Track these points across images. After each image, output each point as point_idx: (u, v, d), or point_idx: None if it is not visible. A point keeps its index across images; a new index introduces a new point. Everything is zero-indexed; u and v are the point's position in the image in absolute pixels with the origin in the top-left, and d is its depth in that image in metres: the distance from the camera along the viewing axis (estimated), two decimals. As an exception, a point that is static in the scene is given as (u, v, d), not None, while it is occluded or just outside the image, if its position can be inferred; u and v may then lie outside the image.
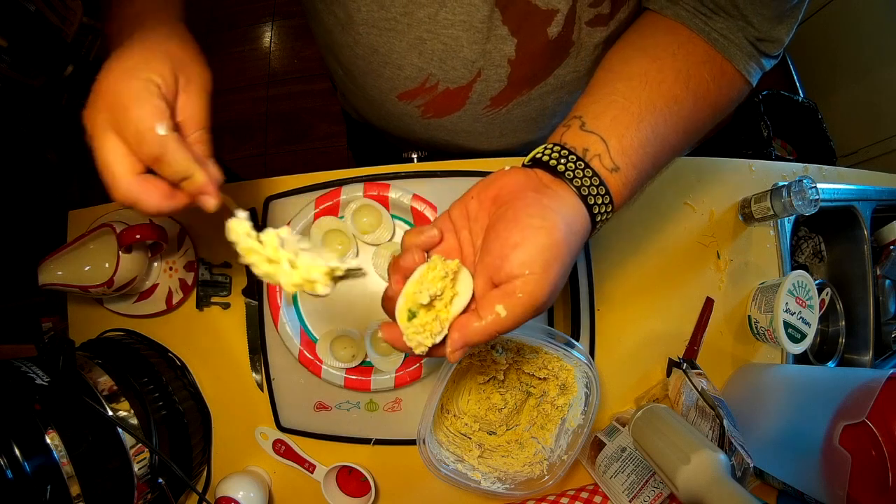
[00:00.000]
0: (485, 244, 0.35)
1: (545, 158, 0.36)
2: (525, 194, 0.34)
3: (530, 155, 0.37)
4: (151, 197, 0.33)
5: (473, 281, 0.35)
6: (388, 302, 0.36)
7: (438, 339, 0.35)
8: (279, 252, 0.33)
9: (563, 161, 0.36)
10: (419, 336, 0.34)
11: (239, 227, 0.34)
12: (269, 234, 0.34)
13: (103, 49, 1.73)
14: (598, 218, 0.36)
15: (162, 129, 0.31)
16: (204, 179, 0.33)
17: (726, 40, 0.40)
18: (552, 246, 0.32)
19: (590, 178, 0.35)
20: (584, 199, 0.35)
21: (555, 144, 0.37)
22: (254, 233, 0.34)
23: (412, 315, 0.35)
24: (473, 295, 0.35)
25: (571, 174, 0.35)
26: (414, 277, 0.35)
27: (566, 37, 0.46)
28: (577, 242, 0.35)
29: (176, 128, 0.33)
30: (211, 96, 0.36)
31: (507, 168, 0.37)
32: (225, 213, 0.35)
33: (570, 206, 0.35)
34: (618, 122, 0.37)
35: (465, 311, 0.35)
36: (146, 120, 0.31)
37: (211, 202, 0.34)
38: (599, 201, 0.35)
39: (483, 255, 0.35)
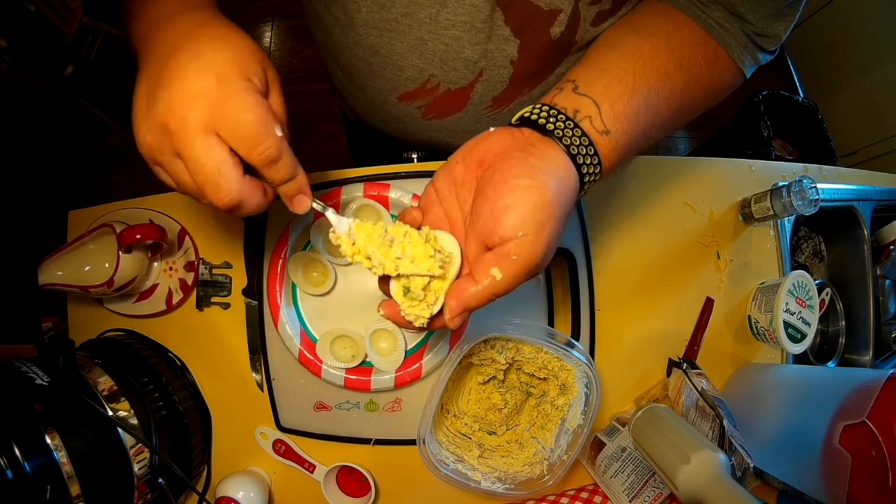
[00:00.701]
0: (474, 208, 0.35)
1: (533, 117, 0.36)
2: (511, 154, 0.34)
3: (518, 114, 0.37)
4: (255, 197, 0.33)
5: (466, 245, 0.35)
6: (384, 282, 0.37)
7: (436, 310, 0.35)
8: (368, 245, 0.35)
9: (552, 120, 0.35)
10: (416, 309, 0.34)
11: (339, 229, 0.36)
12: (345, 233, 0.36)
13: (104, 49, 1.72)
14: (587, 179, 0.36)
15: (279, 131, 0.31)
16: (305, 181, 0.34)
17: (722, 28, 0.41)
18: (544, 206, 0.32)
19: (579, 137, 0.35)
20: (573, 157, 0.35)
21: (544, 105, 0.37)
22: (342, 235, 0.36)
23: (407, 290, 0.35)
24: (466, 260, 0.35)
25: (560, 133, 0.35)
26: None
27: (569, 37, 0.46)
28: (569, 201, 0.35)
29: None
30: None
31: (491, 129, 0.37)
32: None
33: (558, 164, 0.34)
34: (611, 88, 0.37)
35: (458, 276, 0.35)
36: (264, 123, 0.30)
37: (307, 202, 0.35)
38: (588, 161, 0.35)
39: (474, 220, 0.34)
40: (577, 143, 0.35)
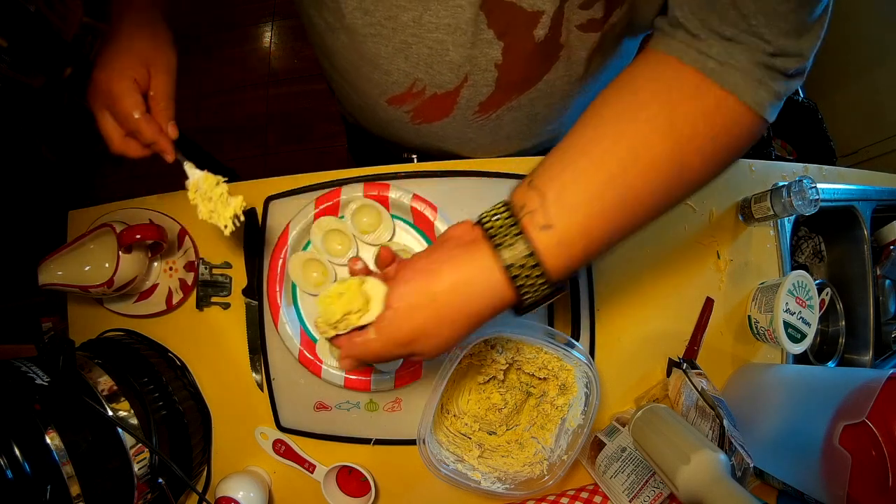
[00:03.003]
0: None
1: (484, 216, 0.37)
2: (448, 242, 0.37)
3: (482, 211, 0.37)
4: (131, 149, 0.50)
5: None
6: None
7: (338, 333, 0.39)
8: (196, 194, 0.49)
9: (495, 218, 0.35)
10: (326, 326, 0.39)
11: (193, 182, 0.49)
12: (192, 181, 0.49)
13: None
14: (521, 281, 0.34)
15: (136, 114, 0.47)
16: (163, 145, 0.49)
17: (724, 67, 0.34)
18: (427, 293, 0.35)
19: (514, 235, 0.34)
20: (498, 254, 0.34)
21: (501, 202, 0.37)
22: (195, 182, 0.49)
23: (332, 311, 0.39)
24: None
25: (494, 230, 0.35)
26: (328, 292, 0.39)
27: (554, 39, 0.45)
28: (469, 302, 0.35)
29: (150, 100, 0.49)
30: (174, 72, 0.50)
31: (461, 221, 0.39)
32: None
33: (479, 264, 0.34)
34: (563, 174, 0.35)
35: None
36: (128, 109, 0.47)
37: (168, 157, 0.50)
38: (522, 263, 0.34)
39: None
40: (511, 242, 0.34)
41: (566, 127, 0.62)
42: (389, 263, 0.40)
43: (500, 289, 0.35)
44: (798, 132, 1.59)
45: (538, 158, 0.42)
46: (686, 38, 0.35)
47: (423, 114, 0.56)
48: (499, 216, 0.35)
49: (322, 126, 1.86)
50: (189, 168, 0.50)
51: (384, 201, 0.58)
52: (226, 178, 0.49)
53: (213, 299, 0.62)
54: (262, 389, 0.60)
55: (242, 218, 0.48)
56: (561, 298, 0.60)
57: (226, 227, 0.48)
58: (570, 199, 0.34)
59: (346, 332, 0.38)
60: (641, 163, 0.34)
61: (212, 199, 0.48)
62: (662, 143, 0.34)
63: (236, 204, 0.48)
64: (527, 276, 0.34)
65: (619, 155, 0.34)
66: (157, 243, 0.59)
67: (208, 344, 0.62)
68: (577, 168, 0.35)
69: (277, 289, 0.57)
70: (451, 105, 0.54)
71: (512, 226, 0.34)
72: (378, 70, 0.51)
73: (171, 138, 0.49)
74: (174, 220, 0.63)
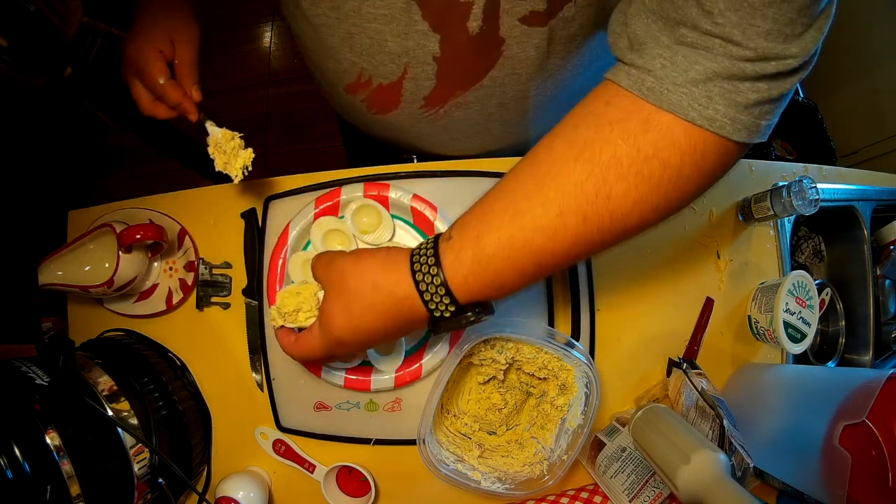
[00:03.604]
0: None
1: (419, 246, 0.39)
2: (379, 258, 0.40)
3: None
4: (160, 111, 0.54)
5: None
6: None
7: (285, 324, 0.45)
8: (215, 149, 0.54)
9: (423, 247, 0.38)
10: (276, 313, 0.45)
11: (213, 139, 0.54)
12: (212, 137, 0.54)
13: (104, 49, 1.73)
14: (422, 287, 0.36)
15: (162, 80, 0.51)
16: (187, 106, 0.52)
17: (663, 83, 0.30)
18: (339, 298, 0.40)
19: (425, 248, 0.37)
20: (412, 265, 0.37)
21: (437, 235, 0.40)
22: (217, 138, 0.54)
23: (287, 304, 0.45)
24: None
25: (418, 256, 0.38)
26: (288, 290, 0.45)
27: (492, 32, 0.44)
28: (383, 300, 0.38)
29: (175, 68, 0.53)
30: (197, 43, 0.54)
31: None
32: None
33: (398, 270, 0.38)
34: (483, 222, 0.36)
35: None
36: (154, 76, 0.51)
37: (192, 117, 0.53)
38: (426, 270, 0.36)
39: None
40: (422, 252, 0.37)
41: (537, 130, 0.62)
42: None
43: (408, 289, 0.37)
44: (798, 132, 1.59)
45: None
46: (627, 54, 0.33)
47: (377, 104, 0.57)
48: (427, 247, 0.38)
49: (322, 126, 1.86)
50: (210, 126, 0.55)
51: (384, 201, 0.58)
52: (241, 135, 0.54)
53: (213, 299, 0.62)
54: (262, 389, 0.60)
55: (251, 168, 0.54)
56: (561, 299, 0.60)
57: (236, 176, 0.53)
58: (467, 217, 0.37)
59: (291, 325, 0.45)
60: (591, 226, 0.33)
61: (226, 152, 0.53)
62: (575, 172, 0.32)
63: (245, 156, 0.54)
64: (427, 283, 0.36)
65: (542, 223, 0.33)
66: (157, 243, 0.58)
67: (208, 344, 0.62)
68: (499, 225, 0.35)
69: (277, 289, 0.57)
70: (398, 97, 0.54)
71: (429, 241, 0.38)
72: (332, 59, 0.53)
73: (194, 100, 0.53)
74: (174, 220, 0.63)
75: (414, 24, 0.45)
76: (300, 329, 0.45)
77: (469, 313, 0.38)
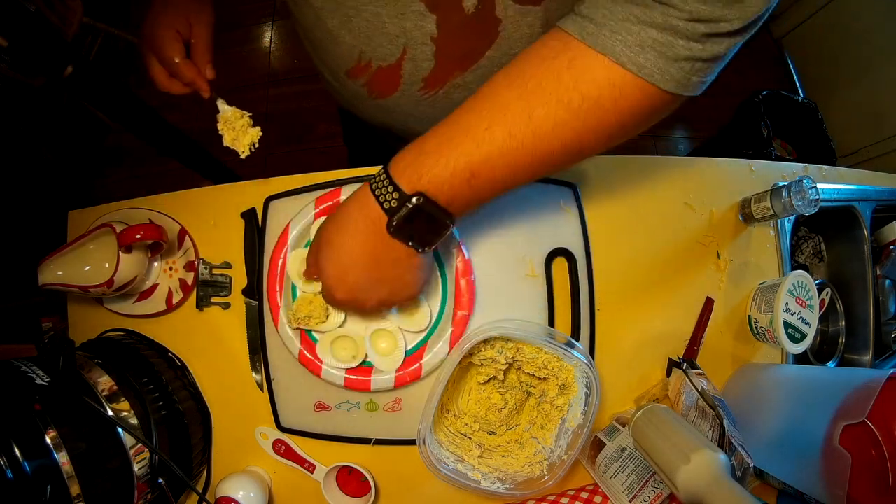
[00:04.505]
0: None
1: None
2: (344, 203, 0.44)
3: None
4: (174, 88, 0.57)
5: None
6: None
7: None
8: (225, 125, 0.58)
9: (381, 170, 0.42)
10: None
11: (222, 115, 0.59)
12: (222, 115, 0.59)
13: (104, 49, 1.72)
14: (376, 191, 0.40)
15: (177, 59, 0.54)
16: (200, 84, 0.56)
17: (601, 28, 0.34)
18: (326, 248, 0.44)
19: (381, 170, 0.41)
20: (370, 185, 0.41)
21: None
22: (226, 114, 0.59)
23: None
24: None
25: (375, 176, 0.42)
26: None
27: (488, 12, 0.45)
28: (354, 230, 0.42)
29: (191, 47, 0.56)
30: (211, 25, 0.57)
31: None
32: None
33: (361, 196, 0.42)
34: (440, 149, 0.39)
35: None
36: (170, 55, 0.54)
37: (204, 94, 0.56)
38: (380, 179, 0.40)
39: None
40: (379, 172, 0.41)
41: None
42: None
43: (365, 200, 0.41)
44: (798, 132, 1.59)
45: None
46: (578, 5, 0.36)
47: (377, 88, 0.57)
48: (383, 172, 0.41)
49: (322, 126, 1.86)
50: (221, 104, 0.58)
51: (384, 201, 0.58)
52: (250, 114, 0.58)
53: (213, 299, 0.62)
54: (262, 389, 0.60)
55: (258, 144, 0.58)
56: (561, 299, 0.60)
57: (243, 152, 0.57)
58: (426, 147, 0.40)
59: (304, 328, 0.56)
60: (517, 142, 0.37)
61: (235, 129, 0.58)
62: (544, 118, 0.36)
63: (254, 133, 0.58)
64: (382, 189, 0.40)
65: (475, 133, 0.38)
66: (157, 243, 0.58)
67: (208, 344, 0.62)
68: (458, 148, 0.38)
69: (277, 289, 0.57)
70: (397, 79, 0.54)
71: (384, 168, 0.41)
72: (333, 43, 0.53)
73: (207, 78, 0.56)
74: (174, 220, 0.63)
75: (410, 5, 0.45)
76: (310, 328, 0.56)
77: (415, 199, 0.39)
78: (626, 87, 0.35)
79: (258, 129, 0.58)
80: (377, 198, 0.40)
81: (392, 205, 0.40)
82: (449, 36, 0.48)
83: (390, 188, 0.39)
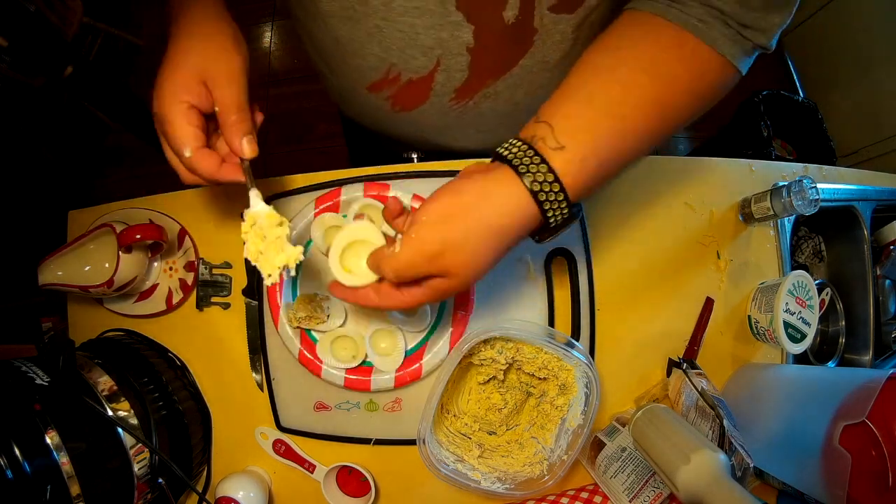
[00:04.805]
0: None
1: (501, 149, 0.39)
2: (468, 173, 0.39)
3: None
4: (188, 179, 0.43)
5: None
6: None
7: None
8: (252, 229, 0.42)
9: (508, 147, 0.38)
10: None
11: (252, 213, 0.42)
12: (250, 212, 0.42)
13: (104, 49, 1.72)
14: (543, 197, 0.36)
15: (187, 153, 0.40)
16: (226, 175, 0.42)
17: (704, 24, 0.38)
18: (455, 204, 0.37)
19: (531, 157, 0.36)
20: (520, 175, 0.36)
21: (514, 137, 0.39)
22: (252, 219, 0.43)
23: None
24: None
25: (512, 155, 0.37)
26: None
27: (526, 22, 0.45)
28: (498, 214, 0.37)
29: (218, 116, 0.41)
30: (240, 77, 0.42)
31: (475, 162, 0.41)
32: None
33: (502, 182, 0.37)
34: (564, 107, 0.38)
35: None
36: (179, 147, 0.40)
37: (237, 180, 0.43)
38: (541, 179, 0.36)
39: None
40: (528, 161, 0.36)
41: None
42: (398, 215, 0.42)
43: (526, 206, 0.36)
44: (798, 132, 1.59)
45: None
46: (665, 3, 0.39)
47: (402, 100, 0.56)
48: (514, 147, 0.37)
49: (322, 126, 1.86)
50: (254, 197, 0.42)
51: (384, 201, 0.58)
52: (291, 224, 0.43)
53: (213, 299, 0.62)
54: (262, 389, 0.60)
55: (294, 273, 0.42)
56: (561, 299, 0.60)
57: (269, 276, 0.41)
58: (574, 124, 0.37)
59: (305, 327, 0.49)
60: (632, 98, 0.38)
61: (265, 239, 0.41)
62: (649, 84, 0.38)
63: (292, 254, 0.40)
64: (548, 193, 0.36)
65: (613, 91, 0.37)
66: (157, 243, 0.59)
67: (208, 344, 0.62)
68: (577, 101, 0.38)
69: (277, 289, 0.57)
70: (427, 90, 0.53)
71: (529, 149, 0.37)
72: (355, 56, 0.51)
73: (244, 156, 0.42)
74: (174, 220, 0.63)
75: (448, 16, 0.45)
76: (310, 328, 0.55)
77: (572, 214, 0.38)
78: (729, 75, 0.40)
79: (299, 248, 0.41)
80: (544, 210, 0.36)
81: (558, 220, 0.37)
82: (485, 46, 0.48)
83: (564, 204, 0.36)
